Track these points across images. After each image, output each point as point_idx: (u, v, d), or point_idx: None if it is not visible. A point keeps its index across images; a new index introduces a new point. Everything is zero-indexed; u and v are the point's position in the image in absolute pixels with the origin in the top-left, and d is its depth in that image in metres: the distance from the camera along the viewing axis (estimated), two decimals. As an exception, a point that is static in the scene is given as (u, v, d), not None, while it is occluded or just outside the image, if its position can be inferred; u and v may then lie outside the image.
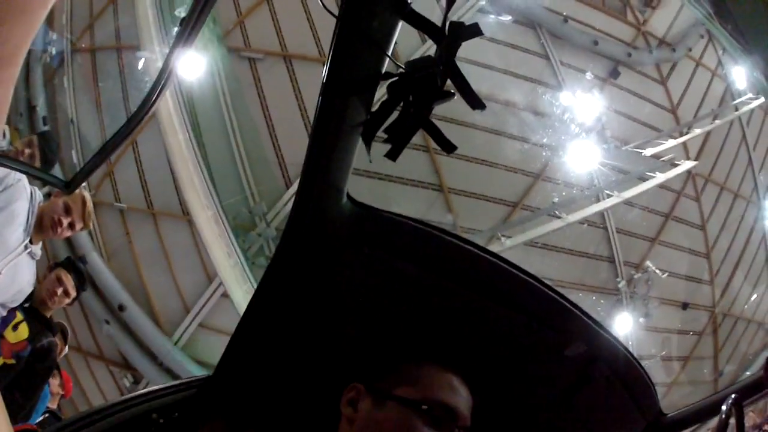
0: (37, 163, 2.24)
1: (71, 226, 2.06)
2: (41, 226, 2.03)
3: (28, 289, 2.09)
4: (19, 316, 2.16)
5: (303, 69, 6.42)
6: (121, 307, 6.60)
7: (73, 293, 2.34)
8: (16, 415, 2.06)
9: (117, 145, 0.92)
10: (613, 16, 8.00)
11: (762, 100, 8.48)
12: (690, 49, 8.65)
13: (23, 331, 2.14)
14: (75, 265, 2.45)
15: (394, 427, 0.72)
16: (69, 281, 2.32)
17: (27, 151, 2.24)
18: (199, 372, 5.68)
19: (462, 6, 6.40)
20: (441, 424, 0.72)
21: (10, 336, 2.09)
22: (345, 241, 0.82)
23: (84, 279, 2.45)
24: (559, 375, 0.94)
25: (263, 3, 6.53)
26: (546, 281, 0.90)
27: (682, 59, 8.62)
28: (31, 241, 2.00)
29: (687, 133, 8.34)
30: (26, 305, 2.22)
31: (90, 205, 2.11)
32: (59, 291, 2.29)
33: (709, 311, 8.94)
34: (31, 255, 2.04)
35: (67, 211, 2.02)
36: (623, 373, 0.94)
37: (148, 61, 6.11)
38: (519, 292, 0.88)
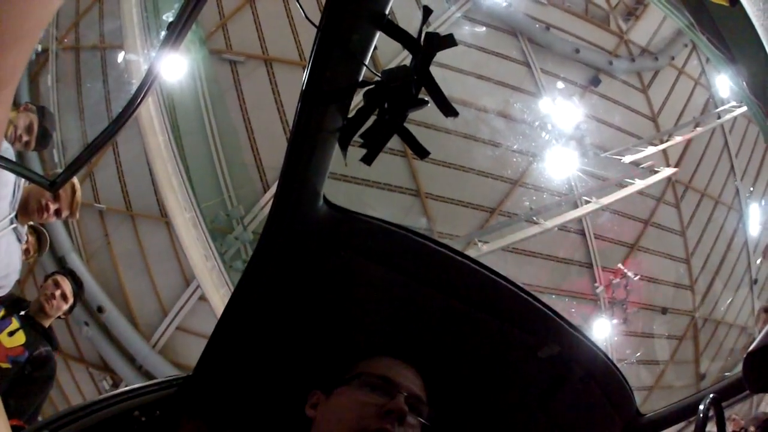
0: (34, 137, 2.20)
1: (58, 212, 2.03)
2: (27, 208, 1.98)
3: (15, 276, 2.03)
4: (16, 323, 2.13)
5: (283, 73, 6.42)
6: (100, 309, 6.54)
7: (70, 298, 2.30)
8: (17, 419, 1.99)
9: (101, 146, 0.92)
10: (595, 24, 8.09)
11: (744, 108, 8.62)
12: (673, 58, 8.77)
13: (19, 337, 2.12)
14: (72, 272, 2.44)
15: (342, 405, 0.75)
16: (67, 285, 2.30)
17: (23, 122, 2.18)
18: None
19: (442, 14, 6.44)
20: (381, 390, 0.75)
21: (6, 341, 2.07)
22: (321, 244, 0.84)
23: (81, 285, 2.43)
24: (533, 377, 0.95)
25: (246, 6, 6.53)
26: (522, 286, 0.91)
27: (664, 68, 8.74)
28: (17, 218, 1.94)
29: (667, 141, 8.45)
30: (23, 314, 2.19)
31: (79, 194, 2.08)
32: (57, 294, 2.24)
33: (689, 316, 9.05)
34: (17, 235, 1.98)
35: (56, 196, 1.98)
36: (598, 373, 0.95)
37: (130, 62, 6.08)
38: (492, 294, 0.89)
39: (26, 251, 2.29)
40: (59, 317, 2.32)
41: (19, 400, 2.04)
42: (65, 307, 2.29)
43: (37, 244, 2.41)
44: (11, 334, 2.08)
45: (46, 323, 2.26)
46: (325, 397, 0.79)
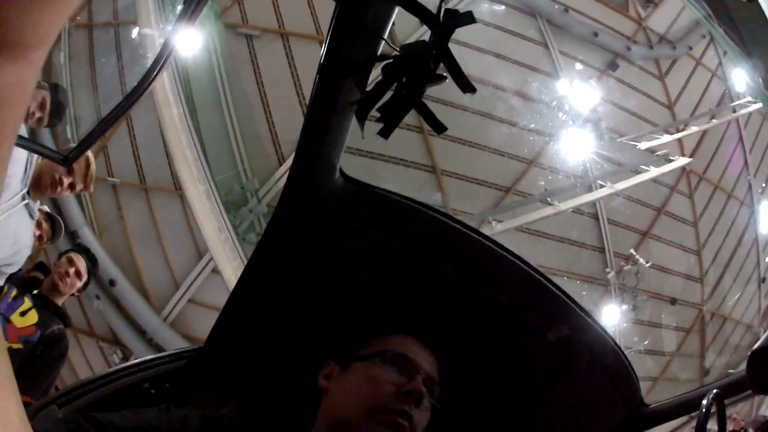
0: (47, 114, 2.17)
1: (71, 186, 2.01)
2: (40, 183, 1.97)
3: (26, 252, 2.01)
4: (28, 302, 2.09)
5: (299, 47, 6.39)
6: (112, 282, 6.60)
7: (84, 275, 2.26)
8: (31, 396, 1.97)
9: (114, 120, 0.92)
10: (614, 9, 7.98)
11: (760, 105, 8.50)
12: (691, 48, 8.64)
13: (32, 317, 2.08)
14: (86, 249, 2.42)
15: (360, 381, 0.75)
16: (81, 262, 2.26)
17: (36, 99, 2.14)
18: (186, 346, 5.67)
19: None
20: (401, 370, 0.75)
21: (18, 321, 2.03)
22: (336, 216, 0.83)
23: (96, 262, 2.40)
24: (540, 357, 0.95)
25: (262, -20, 6.48)
26: (534, 266, 0.90)
27: (682, 57, 8.61)
28: (29, 194, 1.94)
29: (683, 130, 8.36)
30: (35, 292, 2.16)
31: (93, 167, 2.06)
32: (71, 271, 2.21)
33: (698, 309, 9.01)
34: (30, 211, 1.97)
35: (69, 170, 1.96)
36: (605, 359, 0.94)
37: (145, 36, 6.07)
38: (504, 272, 0.89)
39: (39, 238, 2.28)
40: (72, 294, 2.29)
41: (29, 379, 2.02)
42: (79, 284, 2.26)
43: (51, 231, 2.39)
44: (23, 314, 2.05)
45: (59, 301, 2.22)
46: (340, 369, 0.79)
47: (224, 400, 0.88)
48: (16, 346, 2.00)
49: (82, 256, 2.29)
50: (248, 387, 0.91)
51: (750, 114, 8.85)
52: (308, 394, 0.81)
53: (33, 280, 2.29)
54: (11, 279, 2.10)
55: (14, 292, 2.10)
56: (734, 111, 8.87)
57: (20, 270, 2.22)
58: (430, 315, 0.90)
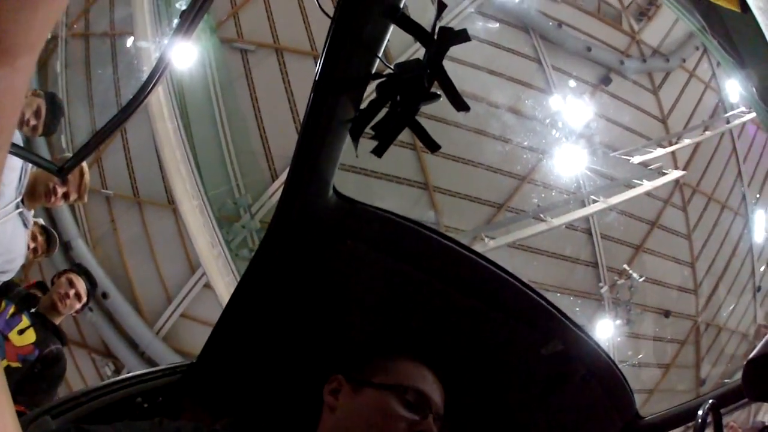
0: (42, 122, 2.18)
1: (66, 196, 2.01)
2: (35, 192, 1.97)
3: (20, 261, 2.00)
4: (26, 321, 2.08)
5: (294, 62, 6.41)
6: (104, 295, 6.56)
7: (84, 297, 2.25)
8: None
9: (111, 132, 0.92)
10: (607, 23, 8.04)
11: (753, 114, 8.56)
12: (684, 60, 8.71)
13: (30, 335, 2.06)
14: (86, 271, 2.40)
15: (373, 410, 0.75)
16: (81, 284, 2.24)
17: (31, 107, 2.15)
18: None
19: (455, 8, 6.41)
20: (415, 407, 0.75)
21: (16, 339, 2.01)
22: (329, 234, 0.84)
23: (95, 284, 2.39)
24: (535, 373, 0.95)
25: (258, -5, 6.51)
26: (527, 282, 0.91)
27: (675, 69, 8.68)
28: (23, 203, 1.94)
29: (677, 143, 8.41)
30: (33, 311, 2.13)
31: (87, 177, 2.06)
32: (71, 293, 2.19)
33: (692, 320, 9.02)
34: (24, 219, 1.96)
35: (64, 180, 1.97)
36: (600, 372, 0.95)
37: (141, 49, 6.08)
38: (497, 288, 0.89)
39: (34, 250, 2.27)
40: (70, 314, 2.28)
41: (28, 397, 1.99)
42: (78, 306, 2.24)
43: (46, 245, 2.38)
44: (21, 332, 2.03)
45: (57, 321, 2.21)
46: (351, 389, 0.78)
47: (217, 416, 0.88)
48: (14, 365, 1.98)
49: (82, 277, 2.27)
50: (242, 403, 0.92)
51: (744, 124, 8.92)
52: (302, 411, 0.81)
53: (31, 297, 2.26)
54: (8, 295, 2.10)
55: (12, 309, 2.07)
56: (728, 122, 8.94)
57: (18, 286, 2.25)
58: (423, 332, 0.90)
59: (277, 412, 0.90)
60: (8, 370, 1.93)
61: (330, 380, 0.81)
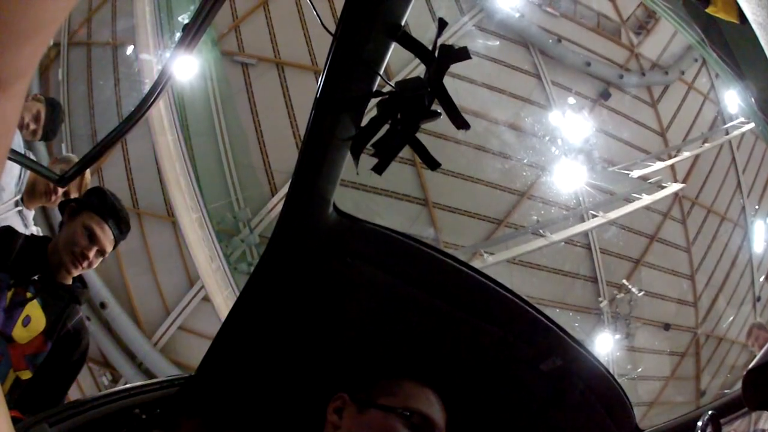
0: (41, 126, 2.11)
1: (66, 194, 1.94)
2: (34, 191, 1.91)
3: None
4: (29, 306, 1.40)
5: (294, 76, 6.44)
6: (103, 305, 6.54)
7: (109, 250, 1.50)
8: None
9: (113, 143, 0.92)
10: (607, 37, 8.09)
11: (752, 125, 8.58)
12: (683, 73, 8.75)
13: (38, 322, 1.42)
14: (113, 207, 1.51)
15: (377, 431, 0.75)
16: (108, 235, 1.45)
17: (31, 111, 2.10)
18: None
19: (455, 25, 6.45)
20: (420, 431, 0.76)
21: (22, 335, 1.39)
22: (329, 251, 0.84)
23: (128, 224, 1.55)
24: (534, 389, 0.96)
25: (259, 9, 6.55)
26: (527, 298, 0.91)
27: (674, 82, 8.72)
28: (23, 201, 1.88)
29: (676, 156, 8.43)
30: (35, 277, 1.43)
31: (88, 177, 2.00)
32: (91, 253, 1.43)
33: (692, 332, 9.00)
34: (23, 218, 1.89)
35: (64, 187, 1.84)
36: (598, 387, 0.95)
37: (143, 61, 6.11)
38: (496, 305, 0.90)
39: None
40: None
41: (40, 394, 1.39)
42: (97, 262, 1.51)
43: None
44: (26, 322, 1.40)
45: (68, 280, 1.50)
46: (356, 410, 0.78)
47: (215, 430, 0.88)
48: (25, 375, 1.38)
49: (110, 223, 1.46)
50: (240, 418, 0.91)
51: (743, 135, 8.95)
52: (301, 427, 0.81)
53: (28, 261, 1.46)
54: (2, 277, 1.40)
55: (9, 294, 1.39)
56: (727, 133, 8.96)
57: (9, 256, 1.50)
58: (422, 349, 0.90)
59: (276, 427, 0.90)
60: (17, 383, 1.37)
61: (334, 398, 0.81)
